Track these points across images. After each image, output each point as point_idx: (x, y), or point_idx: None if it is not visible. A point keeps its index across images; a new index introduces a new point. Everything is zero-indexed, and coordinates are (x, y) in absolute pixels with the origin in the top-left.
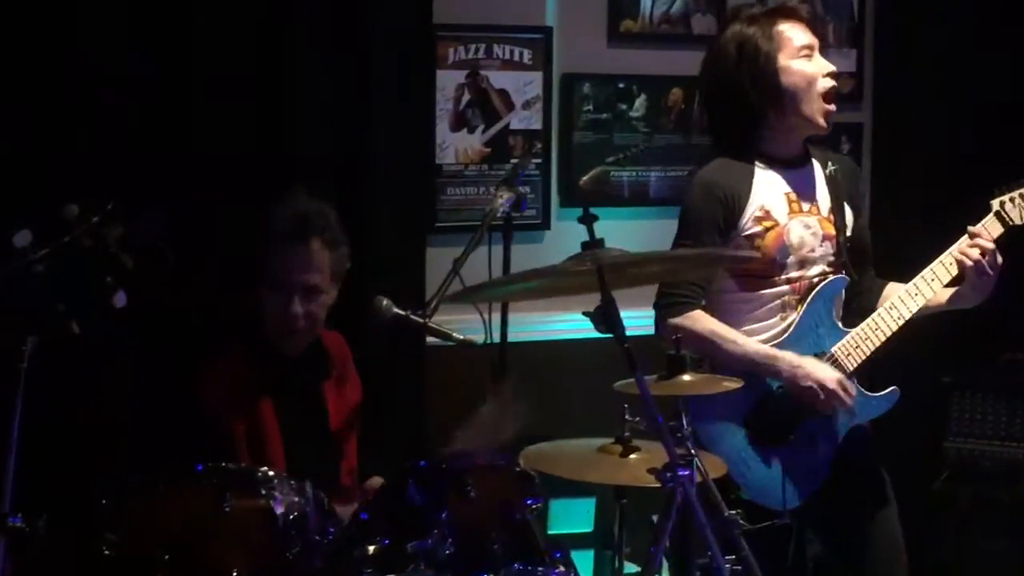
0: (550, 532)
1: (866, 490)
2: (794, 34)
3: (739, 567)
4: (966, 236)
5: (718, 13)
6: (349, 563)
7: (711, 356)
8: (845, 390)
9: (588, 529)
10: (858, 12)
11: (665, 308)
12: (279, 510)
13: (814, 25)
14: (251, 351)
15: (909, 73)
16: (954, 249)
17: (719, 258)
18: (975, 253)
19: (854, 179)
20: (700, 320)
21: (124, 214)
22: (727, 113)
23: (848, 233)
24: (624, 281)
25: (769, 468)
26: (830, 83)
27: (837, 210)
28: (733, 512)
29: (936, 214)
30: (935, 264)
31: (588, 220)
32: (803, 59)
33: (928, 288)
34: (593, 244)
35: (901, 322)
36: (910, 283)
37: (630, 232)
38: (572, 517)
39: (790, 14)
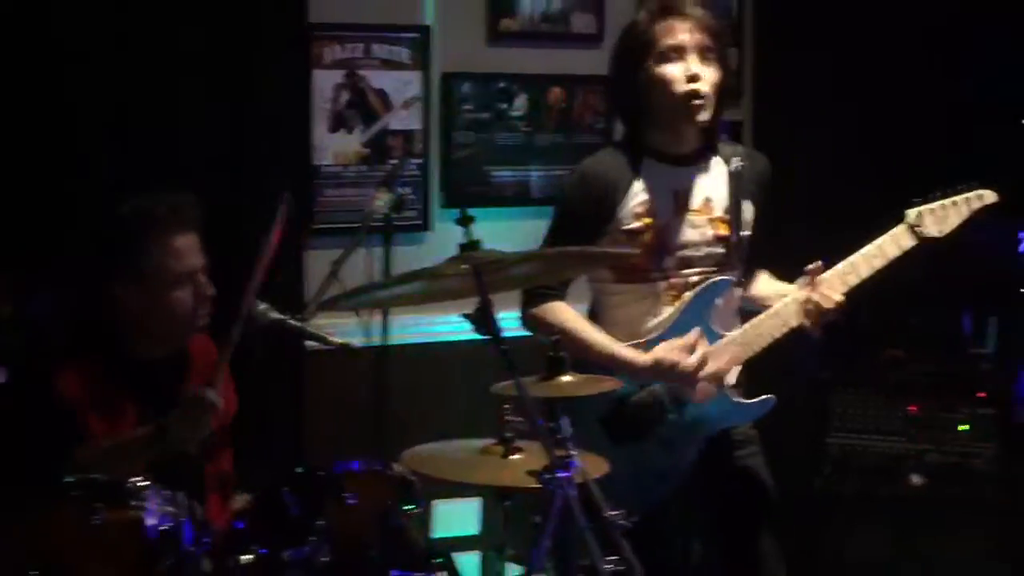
0: (436, 535)
1: (741, 489)
2: (667, 33)
3: (622, 567)
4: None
5: (598, 11)
6: (225, 573)
7: (568, 351)
8: (688, 369)
9: (474, 531)
10: (737, 11)
11: (527, 299)
12: (150, 522)
13: (700, 24)
14: (108, 355)
15: (789, 71)
16: (804, 290)
17: (596, 256)
18: (826, 305)
19: (761, 177)
20: (558, 313)
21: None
22: (618, 107)
23: (747, 231)
24: (503, 283)
25: (623, 467)
26: (687, 87)
27: (735, 209)
28: (614, 512)
29: (815, 211)
30: (794, 295)
31: (465, 221)
32: (669, 62)
33: (789, 315)
34: (470, 245)
35: (772, 339)
36: (781, 302)
37: (512, 232)
38: (458, 519)
39: (670, 12)
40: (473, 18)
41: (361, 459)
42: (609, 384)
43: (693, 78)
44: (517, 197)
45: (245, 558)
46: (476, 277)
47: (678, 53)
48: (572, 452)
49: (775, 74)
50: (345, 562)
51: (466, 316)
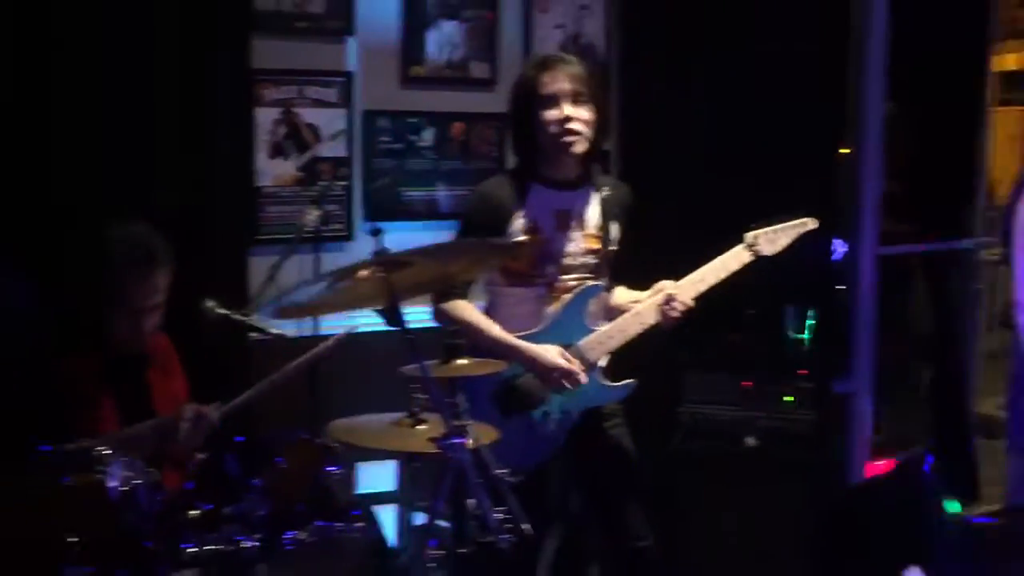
0: (360, 491)
1: (609, 454)
2: (549, 83)
3: (508, 516)
4: (689, 278)
5: (491, 60)
6: (175, 526)
7: (468, 340)
8: (574, 372)
9: (392, 488)
10: (605, 55)
11: (437, 297)
12: (112, 484)
13: (572, 74)
14: (99, 351)
15: (650, 108)
16: (659, 298)
17: (479, 252)
18: (673, 313)
19: (623, 202)
20: (462, 308)
21: None
22: (514, 143)
23: (614, 247)
24: (411, 289)
25: (511, 435)
26: (554, 129)
27: (604, 227)
28: (501, 471)
29: (674, 230)
30: (653, 299)
31: (375, 233)
32: (549, 108)
33: (648, 315)
34: (381, 253)
35: (634, 334)
36: (641, 304)
37: (423, 241)
38: (378, 478)
39: (552, 65)
40: (389, 66)
41: (292, 430)
42: (496, 367)
43: (566, 120)
44: (426, 213)
45: (192, 513)
46: (385, 278)
47: (555, 100)
48: (467, 423)
49: (637, 110)
50: (277, 515)
51: (378, 311)
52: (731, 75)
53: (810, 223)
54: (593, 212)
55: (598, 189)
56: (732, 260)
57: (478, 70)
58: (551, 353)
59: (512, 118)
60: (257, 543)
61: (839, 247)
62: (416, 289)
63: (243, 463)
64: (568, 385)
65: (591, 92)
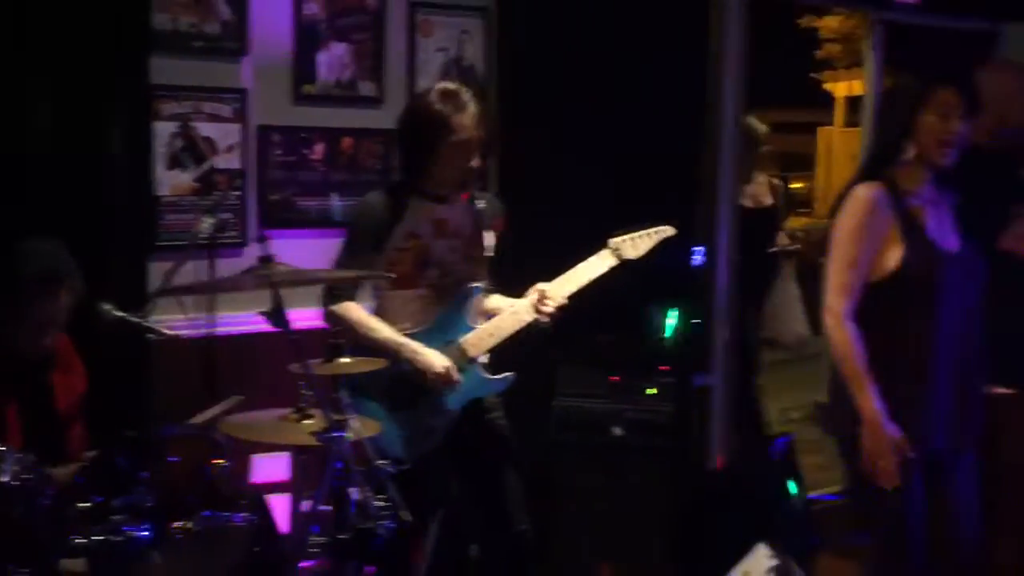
0: (255, 482)
1: (489, 443)
2: (458, 126)
3: (388, 504)
4: (560, 279)
5: (378, 80)
6: (65, 517)
7: (358, 340)
8: (449, 378)
9: (285, 478)
10: (484, 78)
11: (326, 298)
12: (4, 479)
13: (479, 120)
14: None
15: (526, 129)
16: (532, 296)
17: (361, 279)
18: (545, 309)
19: (495, 214)
20: (350, 310)
21: None
22: (402, 156)
23: (489, 253)
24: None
25: (397, 426)
26: (468, 171)
27: (479, 235)
28: (381, 462)
29: (549, 241)
30: (529, 298)
31: (262, 240)
32: (457, 147)
33: (524, 314)
34: (266, 259)
35: (512, 331)
36: (519, 302)
37: (315, 248)
38: (273, 469)
39: (463, 107)
40: (281, 84)
41: (180, 425)
42: (377, 364)
43: (473, 166)
44: (318, 221)
45: (82, 505)
46: (271, 287)
47: (466, 145)
48: (347, 417)
49: (515, 128)
50: (166, 506)
51: (262, 313)
52: (600, 93)
53: (669, 230)
54: (468, 221)
55: (473, 201)
56: (598, 263)
57: (366, 89)
58: (433, 358)
59: (411, 143)
60: (145, 533)
61: (699, 253)
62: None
63: (133, 458)
64: (442, 388)
65: (486, 133)
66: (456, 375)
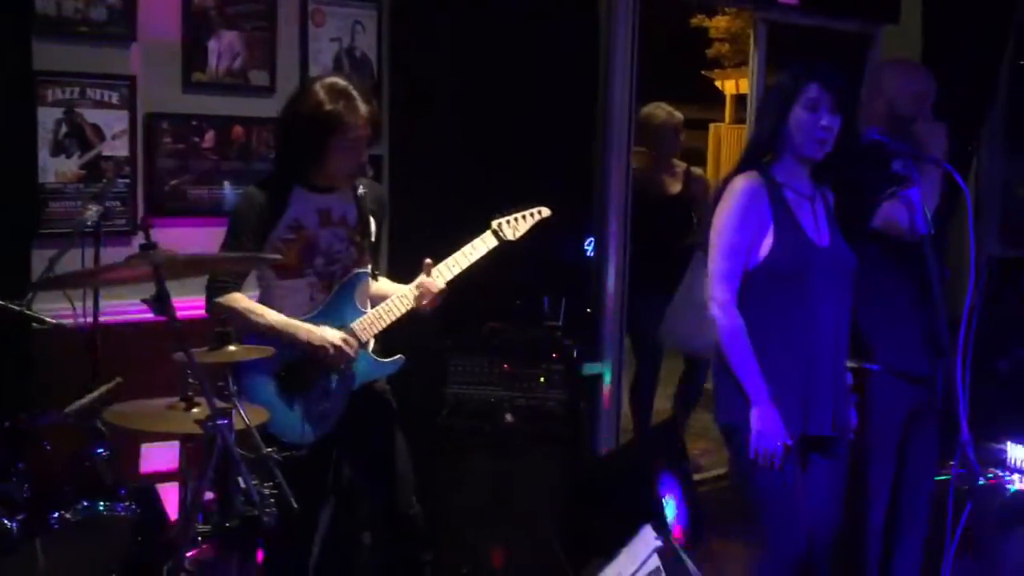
0: (145, 471)
1: (380, 429)
2: (350, 126)
3: (275, 491)
4: (444, 263)
5: (270, 69)
6: None
7: (248, 328)
8: (347, 348)
9: (175, 466)
10: (377, 71)
11: (211, 291)
12: None
13: (370, 119)
14: None
15: (418, 118)
16: (440, 266)
17: (247, 260)
18: (432, 288)
19: (378, 200)
20: (237, 300)
21: None
22: (286, 149)
23: (372, 239)
24: (180, 274)
25: (292, 412)
26: (353, 172)
27: (363, 222)
28: (269, 449)
29: (439, 227)
30: (417, 281)
31: (144, 227)
32: (351, 149)
33: (410, 299)
34: (149, 246)
35: (399, 314)
36: (409, 286)
37: (206, 236)
38: (163, 458)
39: (354, 108)
40: (171, 71)
41: (57, 413)
42: (263, 351)
43: (362, 162)
44: (209, 209)
45: None
46: (155, 272)
47: (357, 143)
48: (232, 405)
49: (406, 117)
50: (43, 495)
51: (145, 301)
52: (494, 84)
53: (544, 211)
54: (352, 209)
55: (355, 189)
56: (479, 245)
57: (257, 78)
58: (328, 333)
59: (298, 141)
60: (20, 523)
61: (590, 244)
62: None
63: (6, 447)
64: (341, 362)
65: (376, 128)
66: (354, 345)
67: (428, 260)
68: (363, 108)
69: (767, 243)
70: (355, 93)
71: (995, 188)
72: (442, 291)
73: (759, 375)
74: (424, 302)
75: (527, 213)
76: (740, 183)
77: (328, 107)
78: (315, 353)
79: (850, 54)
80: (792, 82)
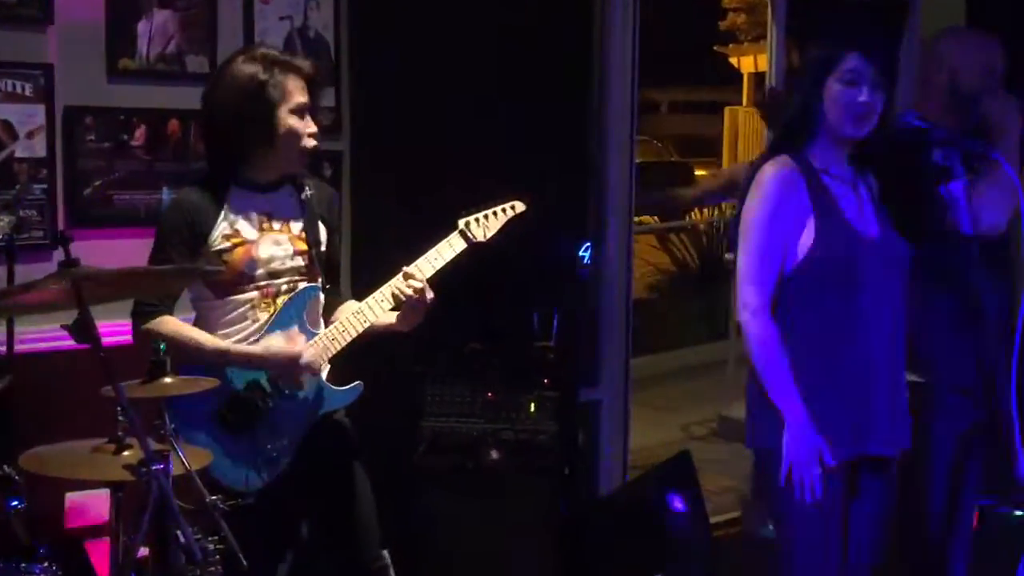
0: (70, 526)
1: (339, 469)
2: (296, 91)
3: (221, 545)
4: (407, 269)
5: (210, 53)
6: None
7: (184, 357)
8: (310, 361)
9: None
10: (335, 54)
11: (138, 316)
12: None
13: (314, 85)
14: None
15: (383, 107)
16: (393, 282)
17: (185, 273)
18: (408, 291)
19: (329, 203)
20: (168, 324)
21: None
22: (218, 139)
23: (323, 248)
24: (106, 295)
25: (238, 454)
26: (311, 143)
27: (310, 228)
28: (213, 497)
29: (406, 229)
30: (385, 287)
31: (63, 242)
32: (297, 116)
33: (372, 313)
34: (70, 263)
35: (356, 333)
36: (363, 302)
37: (136, 249)
38: (91, 509)
39: (298, 71)
40: (94, 58)
41: None
42: (206, 383)
43: (313, 135)
44: (139, 218)
45: None
46: (75, 291)
47: (301, 111)
48: (170, 447)
49: (370, 106)
50: None
51: (65, 327)
52: (472, 68)
53: (519, 206)
54: (297, 212)
55: (300, 189)
56: (446, 248)
57: (195, 64)
58: (287, 347)
59: (230, 125)
60: None
61: (587, 250)
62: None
63: None
64: (304, 378)
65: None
66: (317, 358)
67: (407, 268)
68: (304, 65)
69: (807, 238)
70: (285, 56)
71: None
72: (421, 290)
73: (794, 391)
74: (408, 316)
75: (498, 209)
76: (771, 170)
77: (263, 76)
78: (284, 375)
79: (884, 24)
80: (827, 52)
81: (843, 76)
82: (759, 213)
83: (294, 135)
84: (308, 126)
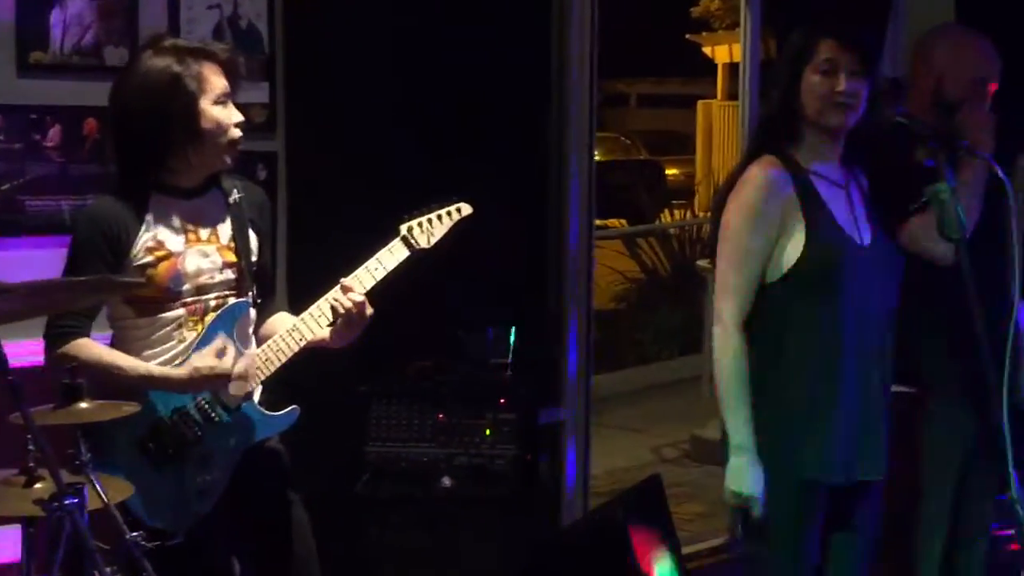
0: None
1: (273, 503)
2: (216, 79)
3: None
4: (345, 281)
5: (131, 45)
6: None
7: (103, 381)
8: (248, 371)
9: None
10: (269, 46)
11: (51, 339)
12: None
13: (232, 71)
14: None
15: (322, 104)
16: (330, 295)
17: (103, 286)
18: (347, 304)
19: (260, 208)
20: (85, 348)
21: None
22: (135, 142)
23: (254, 258)
24: (15, 312)
25: (163, 487)
26: (238, 133)
27: (240, 237)
28: (134, 535)
29: (349, 235)
30: (322, 301)
31: None
32: (220, 105)
33: (307, 329)
34: None
35: (291, 352)
36: (299, 318)
37: (49, 261)
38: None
39: (213, 57)
40: (2, 51)
41: None
42: (127, 408)
43: (240, 124)
44: (53, 227)
45: None
46: None
47: (224, 100)
48: (88, 479)
49: (308, 103)
50: None
51: None
52: (418, 60)
53: (465, 208)
54: (226, 219)
55: (227, 193)
56: (387, 257)
57: (114, 57)
58: (208, 359)
59: (147, 123)
60: None
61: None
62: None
63: None
64: (242, 389)
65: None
66: (252, 367)
67: (345, 280)
68: (219, 50)
69: (794, 246)
70: (197, 43)
71: None
72: (360, 304)
73: (746, 417)
74: (344, 332)
75: (442, 212)
76: (756, 172)
77: (177, 68)
78: (203, 387)
79: (868, 14)
80: (802, 40)
81: (819, 65)
82: (741, 217)
83: (220, 127)
84: (233, 115)
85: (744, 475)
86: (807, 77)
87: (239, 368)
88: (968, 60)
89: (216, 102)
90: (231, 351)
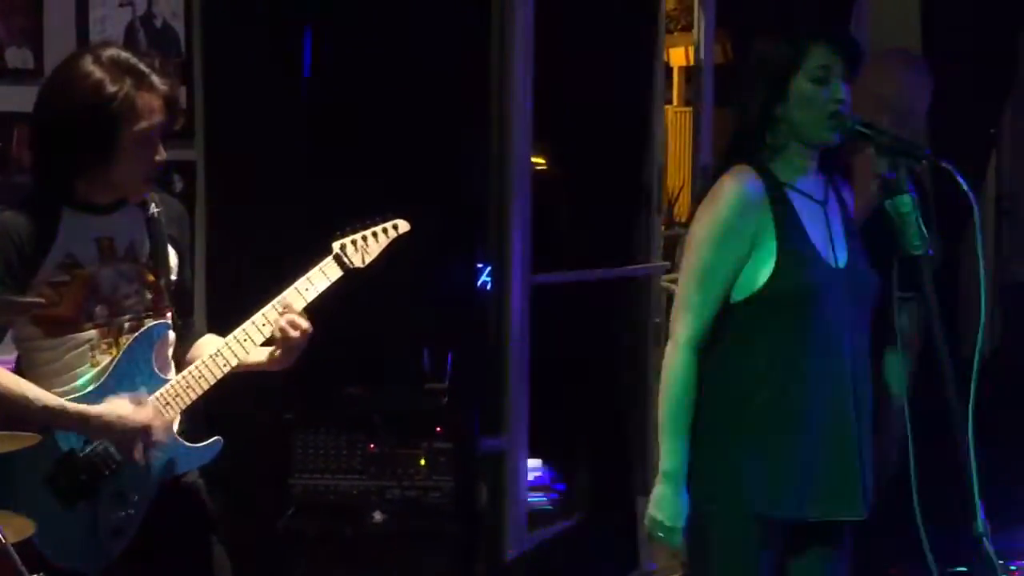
0: None
1: (191, 541)
2: (146, 113)
3: None
4: (276, 301)
5: (35, 46)
6: None
7: (8, 413)
8: (163, 428)
9: None
10: (186, 47)
11: None
12: None
13: (169, 102)
14: None
15: (243, 109)
16: (266, 317)
17: (4, 307)
18: (295, 330)
19: (179, 222)
20: None
21: None
22: (51, 154)
23: (173, 277)
24: None
25: (72, 526)
26: (160, 158)
27: (158, 255)
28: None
29: (273, 250)
30: (248, 323)
31: None
32: (140, 139)
33: (232, 354)
34: None
35: (215, 379)
36: (227, 338)
37: None
38: None
39: (152, 88)
40: None
41: None
42: (28, 440)
43: (157, 159)
44: None
45: None
46: None
47: (152, 137)
48: None
49: (226, 109)
50: None
51: None
52: (348, 62)
53: (402, 225)
54: (142, 237)
55: (145, 207)
56: (319, 277)
57: (16, 58)
58: (119, 407)
59: (69, 138)
60: None
61: (487, 273)
62: None
63: None
64: (152, 444)
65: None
66: (160, 422)
67: (284, 300)
68: (159, 83)
69: (764, 265)
70: (143, 65)
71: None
72: (306, 331)
73: (683, 445)
74: (283, 356)
75: (377, 230)
76: (730, 183)
77: (111, 88)
78: (110, 441)
79: (829, 12)
80: (791, 47)
81: (812, 73)
82: (709, 231)
83: (134, 163)
84: (156, 153)
85: (668, 505)
86: (798, 85)
87: (158, 433)
88: (906, 91)
89: (138, 137)
90: (149, 405)
